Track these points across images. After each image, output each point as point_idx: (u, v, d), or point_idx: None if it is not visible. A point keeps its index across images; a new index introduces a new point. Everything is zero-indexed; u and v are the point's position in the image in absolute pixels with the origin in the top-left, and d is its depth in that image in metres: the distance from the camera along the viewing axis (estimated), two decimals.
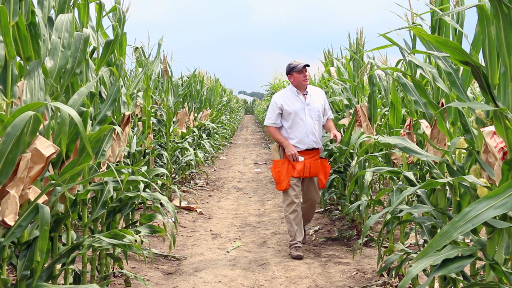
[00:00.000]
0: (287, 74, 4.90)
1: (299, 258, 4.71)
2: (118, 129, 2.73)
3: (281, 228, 5.97)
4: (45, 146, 2.32)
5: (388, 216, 3.37)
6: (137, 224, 4.13)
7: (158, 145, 7.09)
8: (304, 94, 4.87)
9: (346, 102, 5.83)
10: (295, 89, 4.88)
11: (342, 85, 5.93)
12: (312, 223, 6.06)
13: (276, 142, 4.94)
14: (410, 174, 3.21)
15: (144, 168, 4.77)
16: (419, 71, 3.51)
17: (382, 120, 5.36)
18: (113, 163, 3.51)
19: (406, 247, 3.99)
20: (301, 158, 4.77)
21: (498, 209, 1.56)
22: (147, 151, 5.64)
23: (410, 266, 2.16)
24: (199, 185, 8.95)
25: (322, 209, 6.62)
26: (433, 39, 2.08)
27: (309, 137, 4.79)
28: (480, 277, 2.70)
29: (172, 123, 7.37)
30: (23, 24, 2.35)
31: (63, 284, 3.01)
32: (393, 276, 3.64)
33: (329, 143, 5.95)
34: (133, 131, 5.48)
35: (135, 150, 5.10)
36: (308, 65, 4.83)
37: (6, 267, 2.46)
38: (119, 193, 3.64)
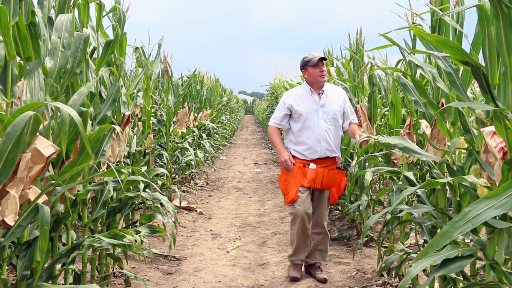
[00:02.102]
0: (301, 70, 4.23)
1: (295, 280, 4.11)
2: (118, 129, 2.72)
3: (281, 228, 5.97)
4: (45, 146, 2.32)
5: (388, 216, 3.37)
6: (137, 224, 4.14)
7: (158, 145, 7.09)
8: (319, 94, 4.18)
9: None
10: (308, 87, 4.20)
11: (342, 85, 5.94)
12: None
13: (272, 143, 4.33)
14: (410, 174, 3.21)
15: (144, 168, 4.77)
16: (419, 71, 3.51)
17: (382, 120, 5.36)
18: (113, 163, 3.51)
19: (406, 247, 3.99)
20: (312, 166, 4.10)
21: (498, 209, 1.56)
22: (147, 151, 5.64)
23: (410, 266, 2.16)
24: (199, 185, 8.95)
25: None
26: (433, 39, 2.08)
27: (321, 144, 4.09)
28: (480, 277, 2.70)
29: (172, 123, 7.37)
30: (23, 24, 2.35)
31: (63, 284, 3.01)
32: (393, 276, 3.64)
33: None
34: (133, 131, 5.48)
35: (135, 150, 5.11)
36: (325, 58, 4.15)
37: (6, 267, 2.46)
38: (119, 193, 3.65)
